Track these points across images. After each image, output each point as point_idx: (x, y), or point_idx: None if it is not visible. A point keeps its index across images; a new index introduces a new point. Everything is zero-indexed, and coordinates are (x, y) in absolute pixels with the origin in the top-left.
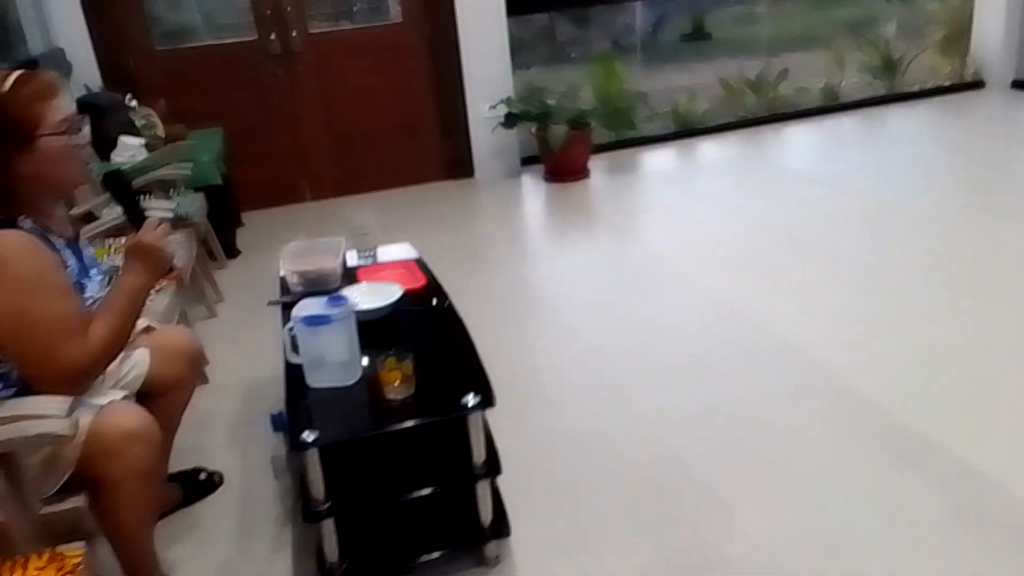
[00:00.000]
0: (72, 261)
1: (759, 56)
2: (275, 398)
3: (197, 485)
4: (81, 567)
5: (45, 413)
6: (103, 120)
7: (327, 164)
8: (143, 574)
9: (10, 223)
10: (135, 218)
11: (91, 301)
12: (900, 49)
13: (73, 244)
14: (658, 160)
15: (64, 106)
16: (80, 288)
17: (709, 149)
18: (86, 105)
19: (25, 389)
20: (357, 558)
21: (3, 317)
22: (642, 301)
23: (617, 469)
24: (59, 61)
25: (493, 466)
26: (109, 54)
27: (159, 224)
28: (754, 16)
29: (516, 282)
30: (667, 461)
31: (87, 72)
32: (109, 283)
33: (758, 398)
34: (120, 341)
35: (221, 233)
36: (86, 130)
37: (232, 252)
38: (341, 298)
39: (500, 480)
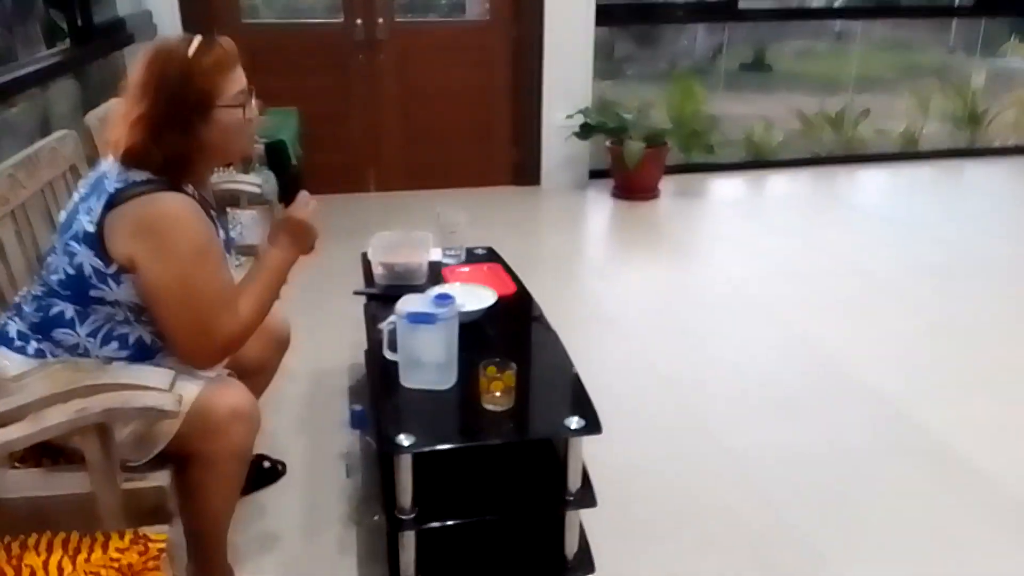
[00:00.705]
0: (221, 233)
1: (819, 93)
2: (341, 389)
3: (261, 473)
4: (164, 554)
5: (148, 384)
6: None
7: (396, 156)
8: (215, 561)
9: (175, 186)
10: (287, 193)
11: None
12: (985, 102)
13: (221, 216)
14: (729, 187)
15: (241, 77)
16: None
17: (781, 182)
18: None
19: (139, 355)
20: (432, 573)
21: (168, 283)
22: (718, 331)
23: (703, 509)
24: (145, 24)
25: (587, 496)
26: (195, 22)
27: (310, 199)
28: (815, 52)
29: (583, 298)
30: (756, 504)
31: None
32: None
33: (851, 447)
34: (263, 316)
35: None
36: (254, 103)
37: None
38: (448, 297)
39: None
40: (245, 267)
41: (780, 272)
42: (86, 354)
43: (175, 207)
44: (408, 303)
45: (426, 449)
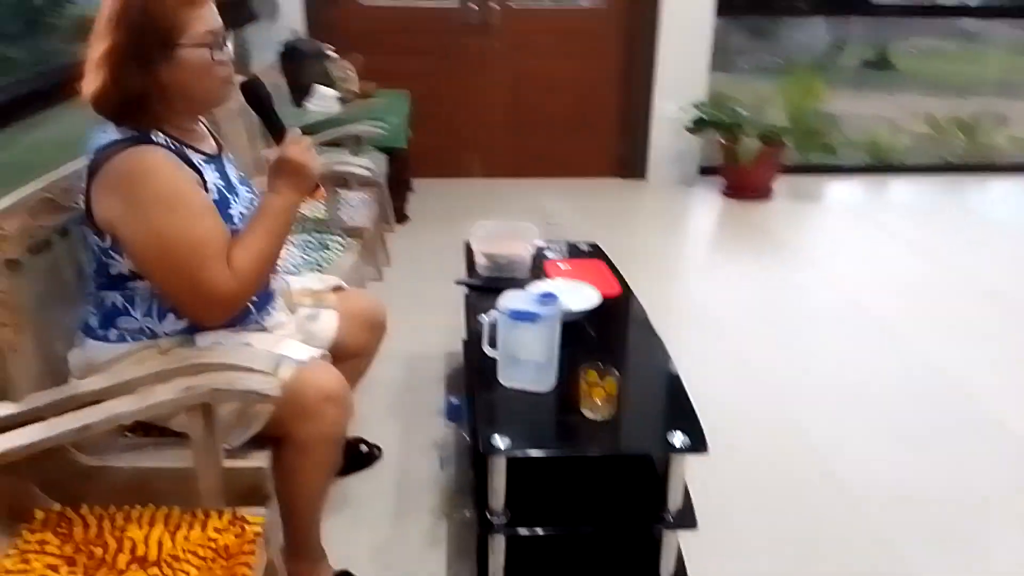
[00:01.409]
0: (213, 176)
1: (948, 95)
2: (439, 376)
3: (357, 456)
4: (260, 538)
5: (254, 366)
6: (303, 66)
7: (502, 143)
8: (308, 543)
9: (144, 139)
10: (275, 132)
11: (239, 217)
12: None
13: (216, 159)
14: (848, 191)
15: (210, 17)
16: (224, 204)
17: (906, 189)
18: (291, 49)
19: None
20: None
21: (143, 240)
22: (830, 346)
23: (808, 538)
24: (268, 2)
25: (687, 517)
26: (316, 2)
27: (302, 137)
28: (943, 52)
29: (685, 301)
30: (867, 538)
31: (293, 16)
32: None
33: (975, 486)
34: (265, 266)
35: (394, 198)
36: (229, 47)
37: (402, 218)
38: (552, 296)
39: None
40: (349, 250)
41: (900, 287)
42: (153, 335)
43: (139, 160)
44: (511, 299)
45: (520, 453)
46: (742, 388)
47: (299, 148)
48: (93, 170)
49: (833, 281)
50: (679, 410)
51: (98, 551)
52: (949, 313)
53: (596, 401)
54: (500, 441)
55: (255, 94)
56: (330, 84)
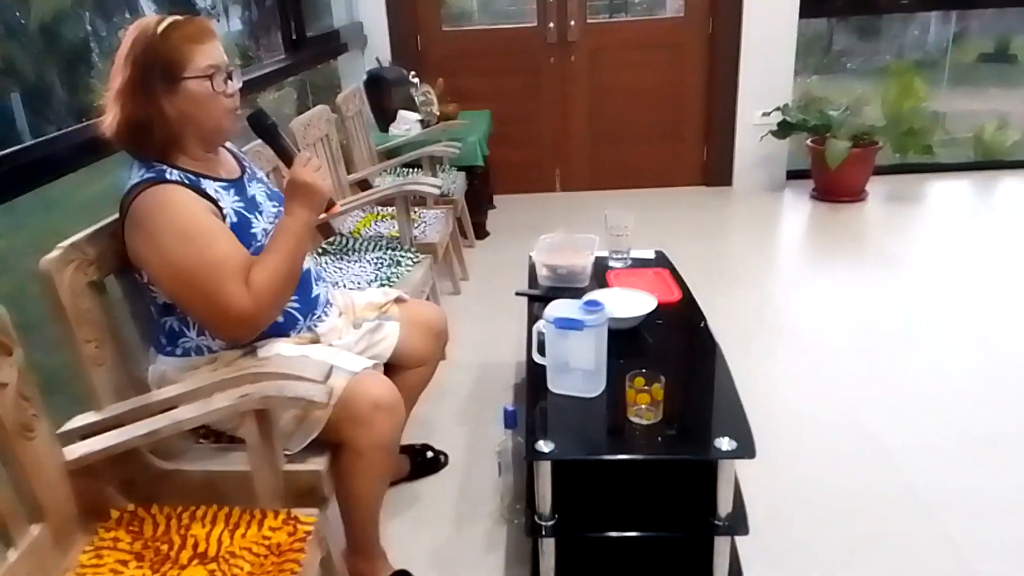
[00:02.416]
0: (230, 201)
1: None
2: (507, 385)
3: (424, 461)
4: (311, 536)
5: (305, 375)
6: (388, 93)
7: (583, 156)
8: (366, 542)
9: (159, 178)
10: (285, 157)
11: (263, 233)
12: None
13: (236, 182)
14: (951, 192)
15: (214, 52)
16: (246, 225)
17: (1016, 187)
18: (375, 78)
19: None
20: None
21: (165, 271)
22: (921, 355)
23: (884, 553)
24: (358, 34)
25: (738, 522)
26: (401, 31)
27: (309, 158)
28: None
29: (768, 309)
30: (948, 556)
31: (380, 46)
32: None
33: None
34: (284, 285)
35: (474, 213)
36: (237, 81)
37: (482, 233)
38: (597, 304)
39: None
40: (423, 264)
41: (1003, 294)
42: (211, 351)
43: (154, 199)
44: (557, 308)
45: (564, 458)
46: (818, 396)
47: (307, 169)
48: (123, 213)
49: (927, 286)
50: (729, 415)
51: (164, 547)
52: None
53: (641, 406)
54: (544, 446)
55: (260, 124)
56: (413, 108)
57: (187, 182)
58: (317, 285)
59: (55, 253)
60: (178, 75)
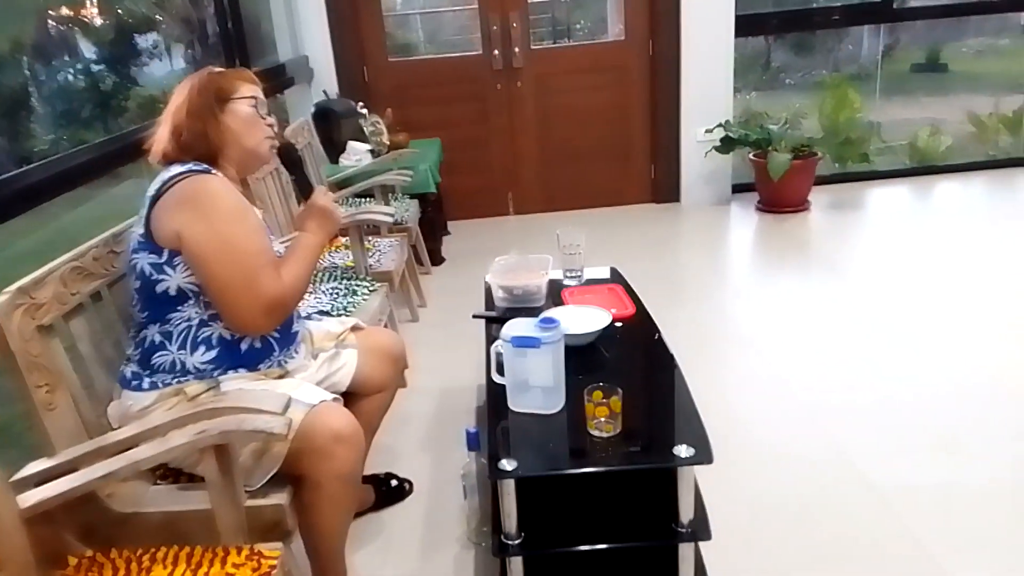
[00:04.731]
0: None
1: (1001, 93)
2: (469, 409)
3: (389, 490)
4: (276, 569)
5: (263, 408)
6: (337, 125)
7: (534, 179)
8: (332, 575)
9: (207, 170)
10: (305, 189)
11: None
12: None
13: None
14: (889, 197)
15: (257, 90)
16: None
17: (951, 190)
18: (323, 110)
19: (225, 352)
20: None
21: (212, 242)
22: (875, 359)
23: (847, 551)
24: (304, 67)
25: (701, 528)
26: (347, 63)
27: (326, 191)
28: (998, 50)
29: (720, 319)
30: (912, 552)
31: (326, 79)
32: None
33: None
34: (302, 288)
35: (429, 240)
36: (272, 117)
37: (437, 259)
38: (553, 321)
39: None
40: (379, 292)
41: (952, 294)
42: (183, 370)
43: (212, 181)
44: (513, 327)
45: (527, 474)
46: (774, 402)
47: (326, 199)
48: (158, 197)
49: (882, 291)
50: (686, 423)
51: None
52: (1001, 317)
53: (600, 419)
54: (507, 464)
55: (289, 156)
56: (363, 139)
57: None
58: (297, 322)
59: (1, 298)
60: (228, 96)
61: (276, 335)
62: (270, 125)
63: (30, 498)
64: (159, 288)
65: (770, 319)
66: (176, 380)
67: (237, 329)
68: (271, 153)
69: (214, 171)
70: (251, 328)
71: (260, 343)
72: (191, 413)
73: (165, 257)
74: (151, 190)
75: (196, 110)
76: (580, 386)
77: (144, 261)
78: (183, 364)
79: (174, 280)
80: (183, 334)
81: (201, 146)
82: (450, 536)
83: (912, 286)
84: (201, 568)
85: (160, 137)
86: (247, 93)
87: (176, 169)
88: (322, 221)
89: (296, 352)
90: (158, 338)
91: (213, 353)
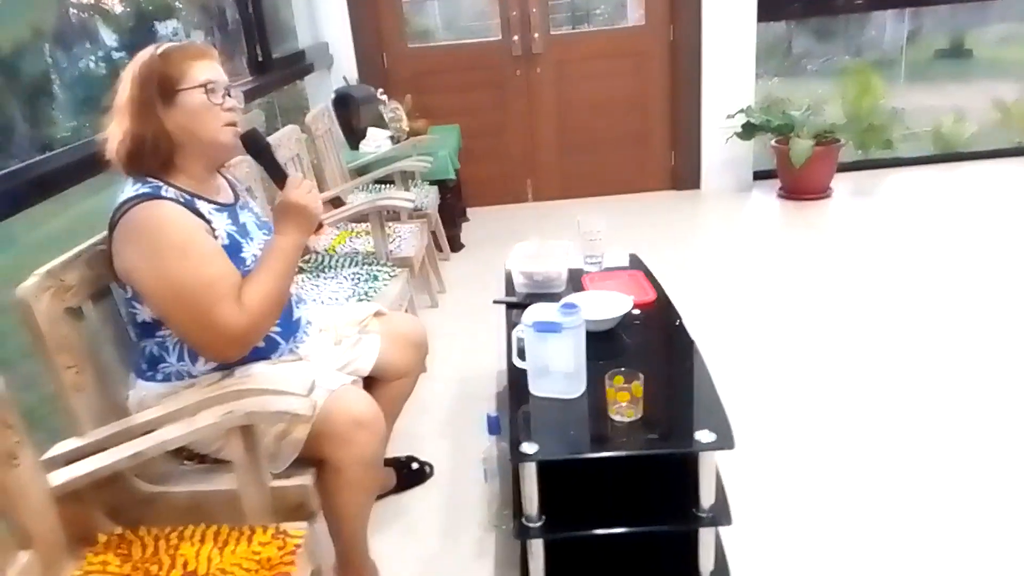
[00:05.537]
0: (224, 224)
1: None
2: (489, 394)
3: (410, 473)
4: (301, 548)
5: (288, 390)
6: (356, 111)
7: (553, 166)
8: (354, 556)
9: (154, 194)
10: (277, 178)
11: (252, 259)
12: None
13: (230, 207)
14: (913, 184)
15: (211, 69)
16: (236, 248)
17: (975, 177)
18: (343, 97)
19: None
20: None
21: (158, 285)
22: (899, 347)
23: (870, 544)
24: (323, 54)
25: (722, 513)
26: (366, 50)
27: (301, 180)
28: (1023, 36)
29: (741, 306)
30: (934, 541)
31: (346, 65)
32: None
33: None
34: (275, 303)
35: (448, 226)
36: (237, 99)
37: (456, 245)
38: (574, 306)
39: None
40: (400, 278)
41: (972, 279)
42: (189, 375)
43: (149, 214)
44: (535, 312)
45: (549, 458)
46: (794, 391)
47: (300, 191)
48: (112, 226)
49: (908, 281)
50: (707, 409)
51: (153, 569)
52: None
53: (621, 404)
54: (528, 448)
55: (254, 144)
56: (382, 125)
57: (182, 200)
58: (298, 308)
59: (31, 281)
60: (174, 88)
61: (277, 330)
62: (229, 109)
63: (61, 476)
64: (139, 318)
65: (791, 306)
66: (186, 382)
67: (212, 360)
68: (235, 139)
69: (165, 189)
70: (222, 360)
71: (264, 342)
72: (216, 395)
73: (130, 292)
74: (111, 213)
75: (138, 112)
76: (601, 371)
77: (118, 292)
78: (188, 373)
79: (147, 313)
80: (178, 346)
81: (150, 158)
82: (471, 519)
83: (937, 273)
84: (228, 546)
85: (112, 134)
86: (197, 79)
87: (128, 191)
88: (297, 219)
89: (306, 334)
90: (156, 350)
91: (211, 365)
